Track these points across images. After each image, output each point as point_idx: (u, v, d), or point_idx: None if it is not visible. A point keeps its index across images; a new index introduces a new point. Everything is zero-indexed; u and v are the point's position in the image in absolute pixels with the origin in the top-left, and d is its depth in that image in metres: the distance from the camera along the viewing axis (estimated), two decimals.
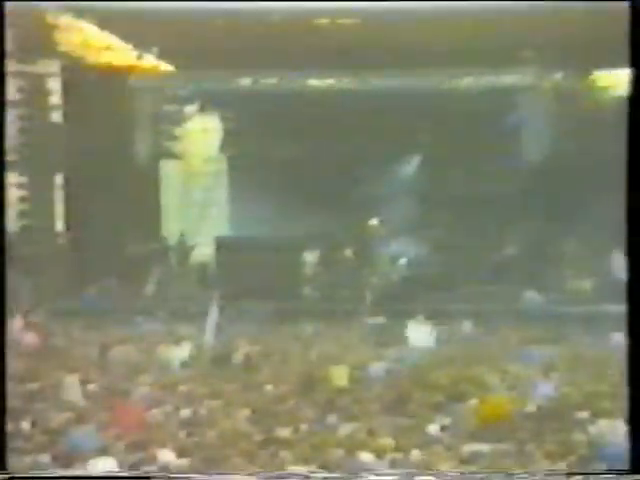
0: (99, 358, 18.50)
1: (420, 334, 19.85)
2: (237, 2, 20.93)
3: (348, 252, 24.92)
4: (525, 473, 12.61)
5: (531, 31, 21.93)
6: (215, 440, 13.81)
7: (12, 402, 13.11)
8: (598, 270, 23.71)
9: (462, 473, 12.65)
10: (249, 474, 12.63)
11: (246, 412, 15.04)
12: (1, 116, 15.27)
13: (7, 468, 12.58)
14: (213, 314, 20.30)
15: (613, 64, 24.04)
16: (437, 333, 20.30)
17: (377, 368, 17.53)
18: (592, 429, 14.03)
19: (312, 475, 12.58)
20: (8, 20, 20.38)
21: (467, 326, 21.00)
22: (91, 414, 14.93)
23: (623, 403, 14.48)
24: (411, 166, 26.34)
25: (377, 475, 12.63)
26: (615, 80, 24.55)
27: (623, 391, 15.31)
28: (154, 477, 12.61)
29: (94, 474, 12.78)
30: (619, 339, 19.74)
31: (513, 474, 12.57)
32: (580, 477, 12.46)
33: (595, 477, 12.47)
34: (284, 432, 14.06)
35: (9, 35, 22.45)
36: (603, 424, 14.05)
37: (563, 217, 24.26)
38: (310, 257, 24.85)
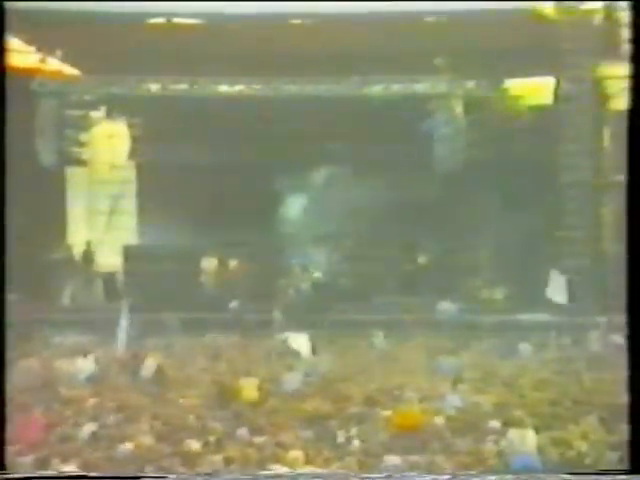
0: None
1: (332, 345, 19.69)
2: (146, 4, 20.64)
3: (260, 262, 24.62)
4: (525, 473, 12.52)
5: (445, 39, 21.96)
6: (122, 455, 13.42)
7: None
8: (510, 279, 23.81)
9: (458, 473, 12.53)
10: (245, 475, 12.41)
11: (155, 425, 14.65)
12: (1, 116, 14.74)
13: (6, 468, 12.31)
14: (123, 324, 19.83)
15: (525, 73, 24.21)
16: (349, 344, 20.15)
17: (287, 380, 17.27)
18: (502, 439, 13.94)
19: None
20: None
21: (379, 337, 20.85)
22: None
23: (532, 412, 14.55)
24: (325, 174, 26.18)
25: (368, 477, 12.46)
26: (527, 89, 24.74)
27: (532, 401, 15.41)
28: (153, 477, 12.38)
29: (92, 474, 12.47)
30: (528, 348, 19.94)
31: (513, 474, 12.47)
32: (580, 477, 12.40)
33: (595, 477, 12.40)
34: (194, 445, 13.71)
35: None
36: (513, 434, 13.97)
37: (476, 226, 24.31)
38: (221, 267, 24.52)
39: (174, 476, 12.56)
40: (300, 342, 19.44)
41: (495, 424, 14.52)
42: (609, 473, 12.43)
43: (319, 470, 12.75)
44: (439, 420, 14.94)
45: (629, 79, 12.83)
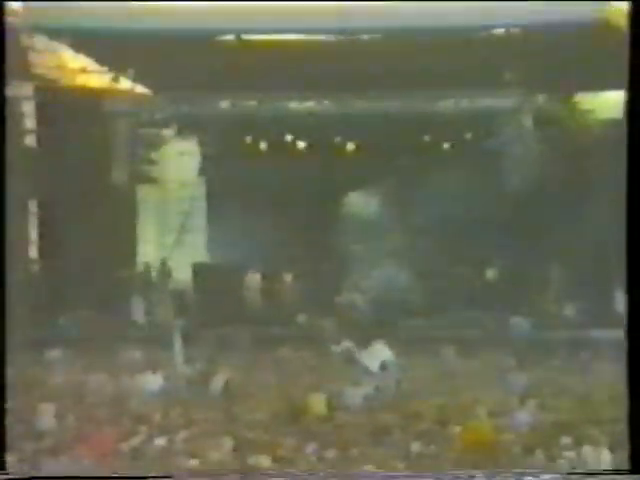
0: (74, 387, 18.15)
1: (402, 361, 19.59)
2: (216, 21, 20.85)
3: (328, 278, 24.62)
4: (525, 473, 12.43)
5: (515, 52, 21.82)
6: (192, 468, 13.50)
7: None
8: (582, 295, 23.51)
9: (461, 473, 12.44)
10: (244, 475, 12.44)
11: (225, 441, 14.70)
12: (2, 114, 14.97)
13: (6, 469, 12.46)
14: (178, 342, 19.97)
15: (596, 87, 23.97)
16: (419, 360, 20.05)
17: (358, 395, 17.23)
18: (575, 456, 13.78)
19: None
20: None
21: (449, 352, 20.72)
22: (66, 443, 14.59)
23: (606, 429, 14.34)
24: (392, 190, 26.12)
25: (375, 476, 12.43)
26: (598, 103, 24.47)
27: (606, 418, 15.19)
28: (158, 477, 12.47)
29: (92, 475, 12.56)
30: (603, 365, 19.65)
31: (514, 474, 12.38)
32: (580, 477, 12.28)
33: (595, 477, 12.27)
34: (264, 461, 13.74)
35: None
36: (586, 451, 13.80)
37: (546, 242, 24.06)
38: (289, 283, 24.57)
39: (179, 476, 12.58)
40: (370, 357, 19.39)
41: (567, 441, 14.35)
42: (609, 473, 12.28)
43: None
44: (509, 436, 14.81)
45: (629, 78, 12.66)
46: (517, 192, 23.75)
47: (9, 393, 15.50)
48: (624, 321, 12.21)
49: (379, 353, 19.48)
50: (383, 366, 19.09)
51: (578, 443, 14.26)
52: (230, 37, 22.20)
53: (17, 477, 12.58)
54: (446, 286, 23.94)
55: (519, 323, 22.72)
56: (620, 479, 12.04)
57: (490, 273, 24.73)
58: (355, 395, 17.21)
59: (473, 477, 12.58)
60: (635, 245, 12.10)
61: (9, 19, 22.05)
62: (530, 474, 12.50)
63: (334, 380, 18.35)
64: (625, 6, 21.67)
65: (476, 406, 16.31)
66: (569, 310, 23.57)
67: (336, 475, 12.69)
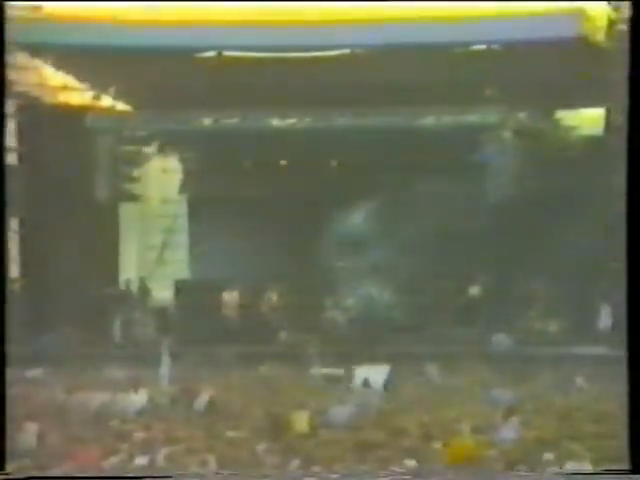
0: (56, 405, 18.04)
1: (385, 377, 19.54)
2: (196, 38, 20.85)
3: (311, 294, 24.59)
4: (525, 473, 12.40)
5: (496, 69, 21.91)
6: None
7: None
8: (565, 311, 23.56)
9: (461, 475, 12.40)
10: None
11: (208, 457, 14.62)
12: (1, 111, 14.88)
13: (5, 469, 12.35)
14: (166, 359, 19.88)
15: (578, 104, 24.09)
16: (402, 376, 20.01)
17: (341, 412, 17.16)
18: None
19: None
20: None
21: (432, 369, 20.69)
22: (48, 462, 14.48)
23: (588, 445, 14.33)
24: (376, 207, 26.14)
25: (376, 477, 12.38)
26: (579, 119, 24.60)
27: (588, 434, 15.18)
28: (156, 477, 12.39)
29: (91, 475, 12.47)
30: (585, 381, 19.67)
31: (513, 473, 12.34)
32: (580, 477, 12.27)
33: (595, 477, 12.25)
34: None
35: None
36: (570, 467, 13.76)
37: (530, 257, 24.11)
38: (272, 300, 24.52)
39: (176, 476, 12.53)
40: (353, 374, 19.36)
41: (550, 457, 14.32)
42: (609, 473, 12.27)
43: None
44: (493, 453, 14.76)
45: (629, 78, 12.73)
46: (500, 207, 23.81)
47: None
48: (609, 335, 12.22)
49: (368, 371, 19.44)
50: (366, 383, 19.07)
51: (561, 459, 14.22)
52: (211, 54, 22.20)
53: (17, 477, 12.50)
54: (430, 302, 23.95)
55: (502, 339, 22.74)
56: (620, 479, 12.01)
57: (474, 289, 24.74)
58: (338, 412, 17.13)
59: (475, 478, 12.54)
60: (635, 255, 12.12)
61: None
62: (530, 474, 12.49)
63: (317, 397, 18.29)
64: (603, 22, 21.97)
65: (460, 422, 16.26)
66: (552, 326, 23.62)
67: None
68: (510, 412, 16.83)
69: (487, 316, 23.46)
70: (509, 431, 15.91)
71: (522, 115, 24.08)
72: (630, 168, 12.40)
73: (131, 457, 14.76)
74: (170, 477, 12.64)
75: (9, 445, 15.28)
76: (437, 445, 15.14)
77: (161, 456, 14.78)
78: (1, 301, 13.90)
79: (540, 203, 23.75)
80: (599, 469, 12.66)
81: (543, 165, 23.77)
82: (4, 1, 16.28)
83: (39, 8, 21.64)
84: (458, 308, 24.05)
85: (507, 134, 23.82)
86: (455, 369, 20.57)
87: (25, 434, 15.93)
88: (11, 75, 22.84)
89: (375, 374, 19.59)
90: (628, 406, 11.98)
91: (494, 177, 23.66)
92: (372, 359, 20.22)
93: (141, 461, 14.58)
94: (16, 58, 22.68)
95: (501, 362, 21.03)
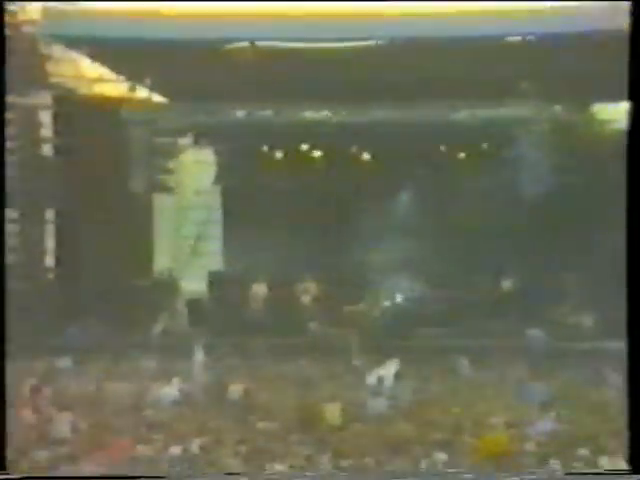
0: (90, 394, 18.17)
1: (416, 371, 19.53)
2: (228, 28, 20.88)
3: (343, 286, 24.58)
4: (526, 473, 12.39)
5: (531, 62, 21.76)
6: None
7: None
8: (599, 305, 23.39)
9: (463, 474, 12.40)
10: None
11: (240, 449, 14.70)
12: (2, 109, 14.99)
13: (6, 468, 12.49)
14: (199, 351, 19.97)
15: (614, 97, 23.88)
16: (433, 370, 19.99)
17: (371, 405, 17.19)
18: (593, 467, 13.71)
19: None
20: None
21: (464, 363, 20.64)
22: (82, 451, 14.61)
23: (622, 440, 14.24)
24: (409, 199, 26.10)
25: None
26: (615, 113, 24.39)
27: (622, 428, 15.09)
28: (152, 477, 12.48)
29: (91, 474, 12.58)
30: (617, 376, 19.52)
31: (514, 474, 12.34)
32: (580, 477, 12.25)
33: (595, 477, 12.22)
34: (279, 469, 13.72)
35: None
36: (603, 462, 13.72)
37: (563, 251, 23.98)
38: (304, 292, 24.54)
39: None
40: (384, 367, 19.33)
41: (584, 452, 14.27)
42: (609, 473, 12.23)
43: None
44: (526, 447, 14.73)
45: (629, 77, 12.65)
46: (533, 202, 23.68)
47: (23, 400, 15.56)
48: (626, 326, 12.18)
49: (393, 366, 19.41)
50: (397, 376, 19.05)
51: (595, 454, 14.18)
52: (245, 45, 22.19)
53: (17, 477, 12.59)
54: (462, 296, 23.87)
55: (535, 333, 22.64)
56: (620, 479, 11.98)
57: (506, 283, 24.64)
58: (370, 405, 17.16)
59: (475, 478, 12.54)
60: (635, 246, 12.09)
61: (28, 28, 22.32)
62: (531, 474, 12.47)
63: (349, 390, 18.31)
64: None
65: (492, 416, 16.24)
66: (586, 320, 23.47)
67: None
68: (544, 407, 16.81)
69: (520, 310, 23.34)
70: (543, 426, 15.88)
71: (557, 109, 23.94)
72: (630, 168, 12.35)
73: (165, 447, 14.87)
74: (165, 477, 12.69)
75: (42, 435, 15.47)
76: (469, 439, 15.14)
77: (194, 446, 14.89)
78: (1, 301, 13.98)
79: (574, 197, 23.61)
80: (599, 469, 12.61)
81: (578, 159, 23.63)
82: (4, 1, 16.37)
83: (75, 3, 21.76)
84: (491, 302, 23.96)
85: (541, 128, 23.68)
86: (488, 363, 20.50)
87: (58, 424, 16.07)
88: (47, 67, 23.14)
89: (408, 368, 19.60)
90: (628, 406, 11.93)
91: (528, 171, 23.53)
92: (404, 352, 20.17)
93: (174, 451, 14.68)
94: (52, 50, 22.91)
95: (534, 356, 20.94)
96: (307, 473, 12.59)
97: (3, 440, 12.74)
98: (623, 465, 13.53)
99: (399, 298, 24.63)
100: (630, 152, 12.29)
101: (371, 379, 18.96)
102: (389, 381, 18.87)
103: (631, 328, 12.15)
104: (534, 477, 12.44)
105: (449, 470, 12.80)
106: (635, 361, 11.91)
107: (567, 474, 12.35)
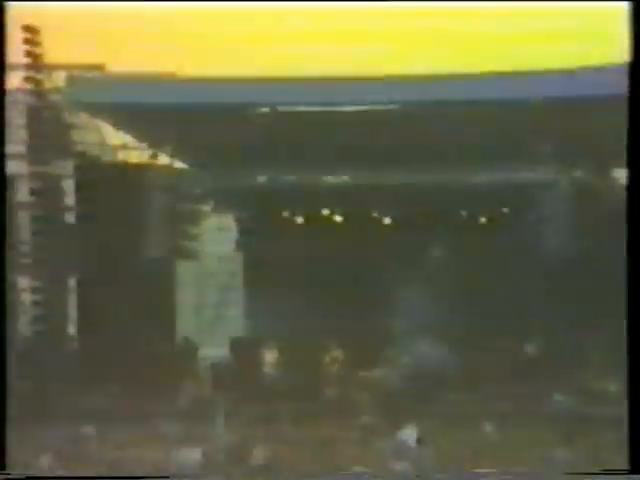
0: (112, 460, 18.08)
1: (440, 435, 19.34)
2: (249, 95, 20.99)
3: (365, 351, 24.45)
4: (526, 473, 12.22)
5: (551, 126, 21.82)
6: None
7: None
8: (624, 370, 23.13)
9: (465, 474, 12.23)
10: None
11: None
12: (1, 104, 14.99)
13: (6, 469, 12.41)
14: (220, 416, 19.88)
15: None
16: (457, 434, 19.79)
17: (395, 468, 17.03)
18: None
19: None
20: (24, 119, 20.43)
21: (488, 427, 20.44)
22: None
23: None
24: (429, 263, 26.07)
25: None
26: None
27: None
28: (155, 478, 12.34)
29: (91, 475, 12.46)
30: None
31: (514, 474, 12.17)
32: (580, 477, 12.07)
33: (595, 477, 12.04)
34: None
35: (23, 135, 22.59)
36: None
37: (586, 314, 23.83)
38: (326, 357, 24.45)
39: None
40: (407, 432, 19.16)
41: None
42: (609, 473, 12.06)
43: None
44: None
45: (629, 77, 12.68)
46: (555, 265, 23.62)
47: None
48: (626, 326, 12.11)
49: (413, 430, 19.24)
50: (420, 441, 18.87)
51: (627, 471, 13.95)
52: (266, 109, 22.36)
53: (17, 477, 12.50)
54: (485, 360, 23.70)
55: (560, 398, 22.43)
56: (620, 479, 11.80)
57: (530, 347, 24.47)
58: (392, 469, 17.00)
59: (476, 478, 12.40)
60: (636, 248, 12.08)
61: (52, 96, 22.55)
62: (531, 474, 12.31)
63: (370, 453, 18.15)
64: None
65: None
66: (611, 385, 23.21)
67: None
68: (569, 472, 16.57)
69: (544, 374, 23.14)
70: None
71: (578, 173, 23.97)
72: (630, 167, 12.38)
73: None
74: (167, 477, 12.60)
75: None
76: None
77: None
78: (1, 301, 13.98)
79: (597, 260, 23.52)
80: (599, 469, 12.45)
81: (599, 222, 23.58)
82: (4, 1, 16.51)
83: (100, 67, 22.02)
84: (514, 366, 23.77)
85: (562, 192, 23.68)
86: (511, 427, 20.28)
87: None
88: (71, 135, 23.37)
89: (431, 432, 19.42)
90: (628, 408, 11.81)
91: (549, 234, 23.51)
92: (427, 416, 20.01)
93: None
94: (76, 118, 23.14)
95: (558, 421, 20.72)
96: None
97: (3, 440, 12.66)
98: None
99: (422, 363, 24.48)
100: (631, 151, 12.32)
101: (392, 443, 18.80)
102: (411, 444, 18.69)
103: (631, 331, 12.07)
104: (534, 477, 12.29)
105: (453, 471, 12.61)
106: (635, 363, 11.82)
107: (567, 474, 12.19)
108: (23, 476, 12.73)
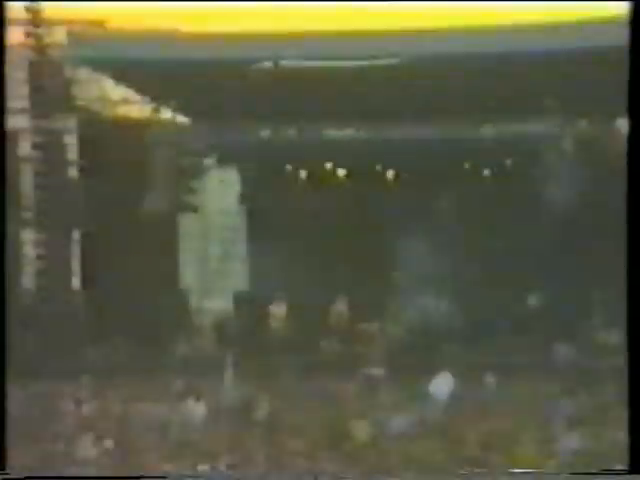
0: (117, 415, 18.22)
1: (444, 387, 19.46)
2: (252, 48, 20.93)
3: (369, 305, 24.54)
4: (526, 473, 12.34)
5: (555, 78, 21.74)
6: None
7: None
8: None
9: (464, 473, 12.36)
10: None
11: (268, 468, 14.71)
12: (2, 109, 15.04)
13: (6, 468, 12.56)
14: (225, 370, 20.01)
15: None
16: (460, 386, 19.91)
17: (400, 422, 17.15)
18: None
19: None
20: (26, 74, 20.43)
21: (492, 379, 20.55)
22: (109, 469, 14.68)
23: None
24: (433, 217, 26.04)
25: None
26: None
27: None
28: (153, 477, 12.52)
29: (90, 475, 12.61)
30: None
31: (515, 474, 12.30)
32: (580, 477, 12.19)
33: (595, 477, 12.15)
34: None
35: (25, 90, 22.57)
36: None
37: (590, 267, 23.85)
38: (330, 311, 24.54)
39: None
40: (411, 384, 19.31)
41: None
42: (609, 473, 12.14)
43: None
44: (554, 463, 14.67)
45: (629, 77, 12.64)
46: (560, 217, 23.61)
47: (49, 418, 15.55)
48: (626, 326, 12.12)
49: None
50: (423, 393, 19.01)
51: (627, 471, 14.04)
52: (269, 64, 22.30)
53: (16, 477, 12.64)
54: (489, 312, 23.78)
55: (564, 350, 22.52)
56: (620, 479, 11.89)
57: (533, 299, 24.53)
58: (398, 422, 17.12)
59: (476, 477, 12.52)
60: (636, 246, 12.07)
61: (53, 51, 22.51)
62: (531, 474, 12.42)
63: (377, 407, 18.27)
64: None
65: (520, 432, 16.17)
66: (615, 336, 23.29)
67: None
68: (572, 424, 16.71)
69: (547, 326, 23.23)
70: (571, 442, 15.79)
71: (582, 124, 23.89)
72: (630, 168, 12.33)
73: (193, 466, 14.90)
74: (166, 478, 12.73)
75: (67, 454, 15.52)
76: (497, 455, 15.09)
77: (222, 465, 14.91)
78: (1, 302, 14.08)
79: (602, 213, 23.49)
80: (599, 469, 12.55)
81: (604, 174, 23.54)
82: (4, 1, 16.49)
83: (100, 23, 21.97)
84: (517, 318, 23.86)
85: (567, 144, 23.63)
86: (515, 379, 20.40)
87: (85, 444, 16.13)
88: (72, 90, 23.33)
89: (435, 384, 19.55)
90: (628, 407, 11.85)
91: (554, 187, 23.49)
92: (431, 370, 20.12)
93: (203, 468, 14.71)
94: (77, 73, 23.10)
95: (562, 373, 20.83)
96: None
97: (3, 440, 12.76)
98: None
99: (426, 316, 24.57)
100: (631, 151, 12.27)
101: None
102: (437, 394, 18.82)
103: (631, 327, 12.07)
104: (534, 477, 12.39)
105: (453, 470, 12.75)
106: (635, 361, 11.84)
107: (567, 474, 12.29)
108: (23, 476, 12.82)
